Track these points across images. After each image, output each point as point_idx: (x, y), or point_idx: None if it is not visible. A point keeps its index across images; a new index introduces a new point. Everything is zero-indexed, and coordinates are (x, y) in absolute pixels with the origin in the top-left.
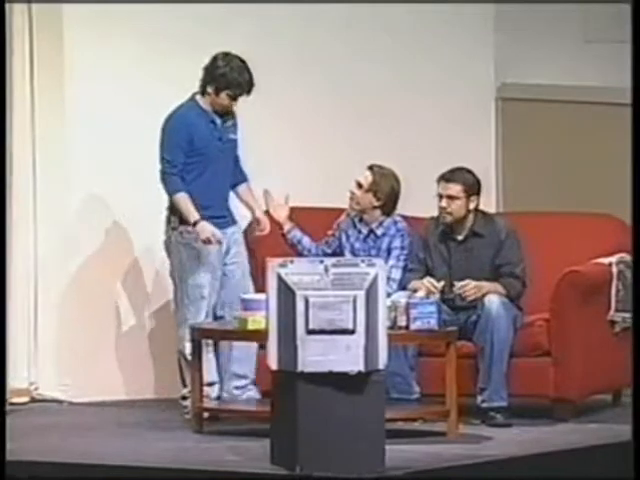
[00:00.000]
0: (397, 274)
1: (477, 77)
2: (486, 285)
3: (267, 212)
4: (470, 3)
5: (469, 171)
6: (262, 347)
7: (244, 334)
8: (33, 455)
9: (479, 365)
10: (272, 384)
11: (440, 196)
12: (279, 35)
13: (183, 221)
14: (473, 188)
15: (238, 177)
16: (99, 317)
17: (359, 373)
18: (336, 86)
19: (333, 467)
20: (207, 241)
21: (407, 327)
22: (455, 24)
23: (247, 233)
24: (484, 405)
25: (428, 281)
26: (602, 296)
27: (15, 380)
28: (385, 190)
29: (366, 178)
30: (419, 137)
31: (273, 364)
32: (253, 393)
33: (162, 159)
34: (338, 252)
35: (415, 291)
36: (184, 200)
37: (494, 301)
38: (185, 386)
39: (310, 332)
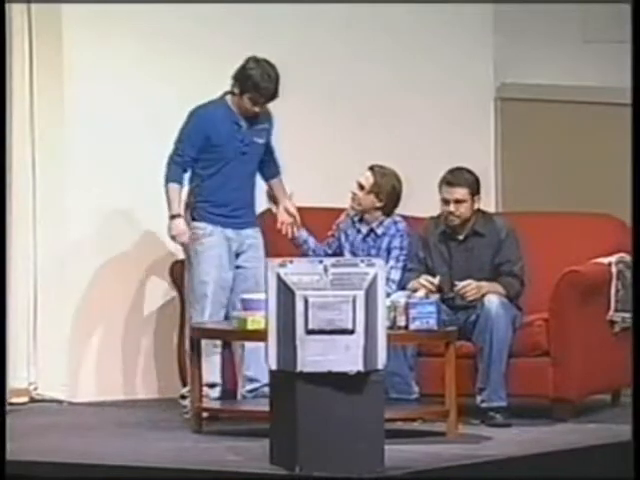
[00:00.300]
0: (396, 275)
1: (476, 77)
2: (486, 285)
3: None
4: (469, 3)
5: (469, 171)
6: None
7: (243, 334)
8: (33, 455)
9: (478, 365)
10: (271, 384)
11: (446, 201)
12: (279, 35)
13: (194, 218)
14: (476, 188)
15: (271, 170)
16: (99, 317)
17: (358, 373)
18: (336, 86)
19: (332, 467)
20: (173, 238)
21: (406, 327)
22: (455, 24)
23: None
24: (483, 405)
25: (425, 279)
26: (601, 296)
27: (15, 380)
28: (386, 190)
29: (367, 179)
30: (419, 137)
31: (272, 364)
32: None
33: (174, 145)
34: (338, 252)
35: (415, 291)
36: (173, 191)
37: (493, 301)
38: (185, 385)
39: (309, 332)
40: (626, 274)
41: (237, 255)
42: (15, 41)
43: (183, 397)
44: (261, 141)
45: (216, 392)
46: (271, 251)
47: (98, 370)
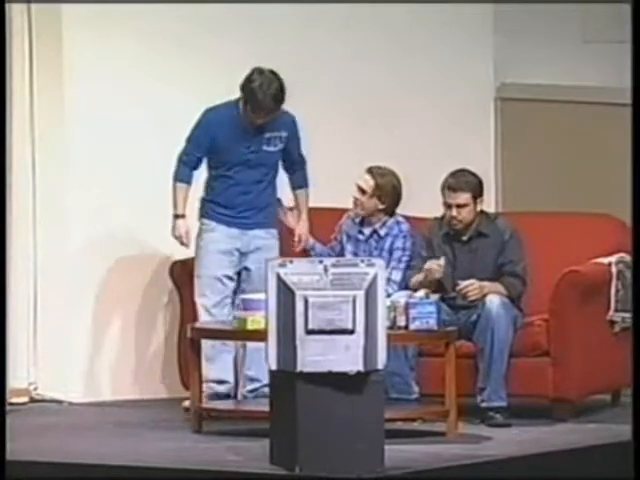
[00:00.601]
0: (398, 276)
1: (476, 77)
2: (487, 285)
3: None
4: (469, 3)
5: (471, 173)
6: None
7: (243, 334)
8: (33, 455)
9: (479, 365)
10: (271, 384)
11: (449, 205)
12: (278, 35)
13: (202, 213)
14: (479, 191)
15: (294, 181)
16: (99, 317)
17: (358, 373)
18: (336, 86)
19: (332, 467)
20: (175, 237)
21: (406, 327)
22: (454, 24)
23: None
24: (483, 405)
25: (431, 263)
26: (601, 296)
27: (14, 380)
28: (388, 191)
29: (367, 183)
30: (419, 137)
31: (272, 364)
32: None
33: (184, 144)
34: (341, 255)
35: (415, 290)
36: (179, 190)
37: (494, 301)
38: (186, 386)
39: (309, 332)
40: (626, 274)
41: (245, 255)
42: (15, 41)
43: (187, 410)
44: (273, 149)
45: (223, 388)
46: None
47: (97, 370)
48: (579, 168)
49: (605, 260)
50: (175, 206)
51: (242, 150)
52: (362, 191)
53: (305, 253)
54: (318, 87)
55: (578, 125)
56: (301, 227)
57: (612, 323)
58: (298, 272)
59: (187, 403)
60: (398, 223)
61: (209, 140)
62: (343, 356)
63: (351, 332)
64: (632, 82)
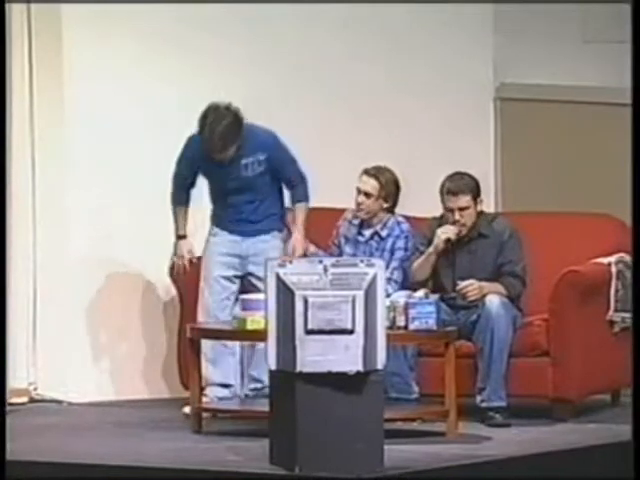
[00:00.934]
0: (399, 276)
1: (476, 77)
2: (487, 285)
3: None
4: (469, 3)
5: (468, 175)
6: None
7: (243, 334)
8: (32, 455)
9: (478, 365)
10: (271, 384)
11: (450, 210)
12: (278, 36)
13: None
14: (478, 192)
15: (293, 197)
16: (99, 317)
17: (358, 373)
18: (334, 86)
19: (332, 467)
20: (177, 258)
21: (406, 327)
22: (454, 24)
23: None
24: (483, 405)
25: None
26: (601, 296)
27: (14, 380)
28: (392, 189)
29: (372, 185)
30: (418, 137)
31: (272, 364)
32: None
33: (175, 167)
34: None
35: (415, 290)
36: (178, 213)
37: (494, 301)
38: (186, 387)
39: (309, 332)
40: (626, 274)
41: (246, 259)
42: (15, 41)
43: (187, 416)
44: (252, 174)
45: (227, 392)
46: None
47: (97, 370)
48: (579, 168)
49: (605, 260)
50: (176, 228)
51: (223, 178)
52: (367, 195)
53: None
54: (317, 87)
55: (578, 125)
56: (294, 240)
57: (612, 323)
58: (298, 272)
59: (187, 409)
60: (399, 223)
61: (191, 168)
62: (343, 356)
63: (351, 332)
64: (632, 82)
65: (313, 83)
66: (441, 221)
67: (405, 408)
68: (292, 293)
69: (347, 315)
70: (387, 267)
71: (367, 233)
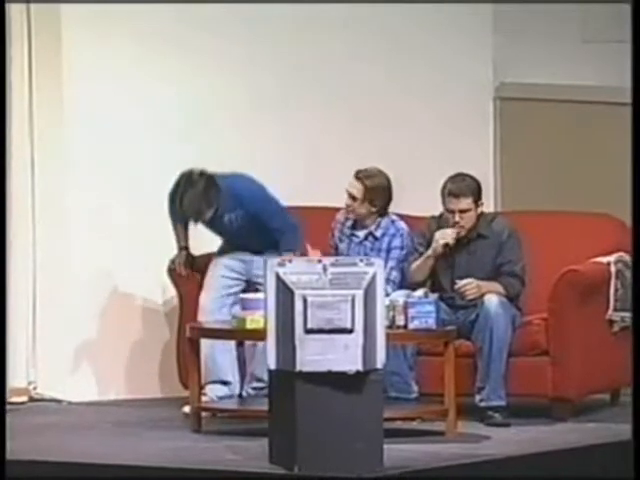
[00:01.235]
0: (397, 276)
1: (476, 77)
2: (486, 284)
3: None
4: (468, 3)
5: (470, 176)
6: None
7: (242, 333)
8: (32, 455)
9: (477, 364)
10: (270, 383)
11: (451, 211)
12: (277, 36)
13: None
14: (479, 195)
15: (282, 246)
16: (98, 316)
17: (357, 372)
18: (333, 87)
19: (331, 466)
20: (173, 266)
21: (405, 326)
22: (453, 24)
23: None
24: (482, 404)
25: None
26: (600, 295)
27: (14, 379)
28: (379, 194)
29: (357, 188)
30: (418, 137)
31: (271, 363)
32: None
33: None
34: None
35: (414, 289)
36: (177, 228)
37: (493, 300)
38: (185, 386)
39: (308, 331)
40: (625, 273)
41: (252, 264)
42: (14, 41)
43: (187, 415)
44: (237, 225)
45: (226, 389)
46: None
47: (97, 369)
48: (578, 167)
49: (604, 259)
50: (177, 241)
51: (210, 228)
52: (353, 198)
53: None
54: (317, 87)
55: (577, 124)
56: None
57: (611, 322)
58: (297, 271)
59: (187, 409)
60: (393, 222)
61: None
62: (342, 355)
63: (350, 331)
64: (632, 82)
65: (313, 83)
66: (440, 221)
67: (404, 407)
68: (291, 292)
69: (346, 314)
70: (384, 267)
71: (361, 234)
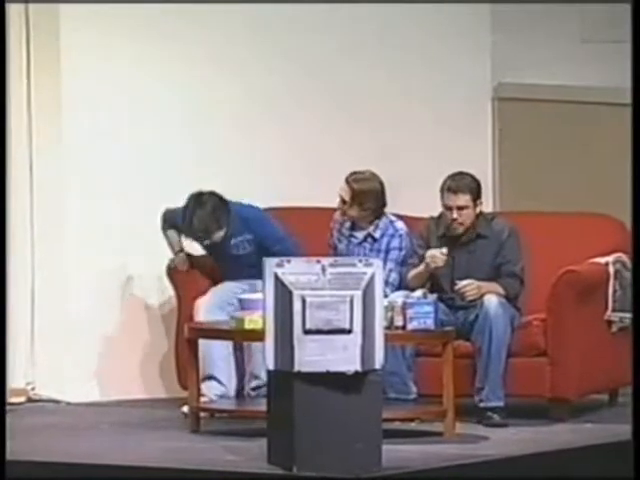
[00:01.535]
0: (395, 278)
1: (474, 76)
2: (485, 285)
3: None
4: (466, 3)
5: (470, 175)
6: None
7: (241, 334)
8: (30, 455)
9: (476, 365)
10: (269, 384)
11: (449, 208)
12: (277, 36)
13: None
14: (478, 193)
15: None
16: (97, 316)
17: (356, 373)
18: (332, 87)
19: (330, 467)
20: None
21: (404, 327)
22: (452, 24)
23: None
24: (481, 405)
25: (434, 251)
26: (599, 296)
27: (12, 380)
28: (368, 197)
29: (345, 192)
30: (416, 136)
31: (270, 364)
32: None
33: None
34: None
35: (413, 289)
36: (169, 236)
37: (492, 301)
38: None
39: (307, 332)
40: (623, 274)
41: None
42: (13, 42)
43: (185, 415)
44: (244, 252)
45: (222, 389)
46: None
47: (95, 370)
48: (577, 167)
49: (602, 260)
50: (172, 248)
51: (215, 255)
52: (342, 201)
53: None
54: (316, 87)
55: (576, 124)
56: None
57: (609, 323)
58: (296, 272)
59: (186, 408)
60: (392, 223)
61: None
62: (341, 356)
63: (349, 332)
64: (632, 82)
65: (312, 83)
66: (439, 221)
67: (403, 408)
68: (290, 293)
69: (345, 315)
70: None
71: (360, 235)
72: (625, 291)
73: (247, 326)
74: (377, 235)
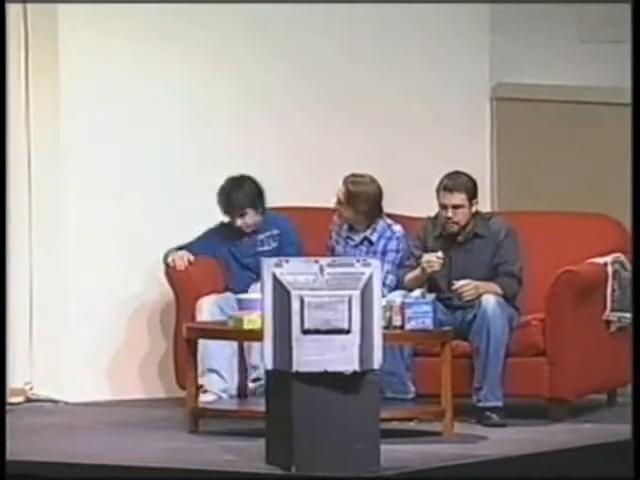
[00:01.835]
0: (392, 280)
1: (472, 76)
2: (483, 285)
3: None
4: (465, 3)
5: (466, 174)
6: None
7: (240, 334)
8: (29, 455)
9: (475, 365)
10: (267, 384)
11: (444, 206)
12: (277, 36)
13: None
14: (474, 192)
15: None
16: (95, 316)
17: (354, 373)
18: (331, 87)
19: (328, 467)
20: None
21: (402, 327)
22: (450, 24)
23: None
24: (480, 405)
25: (430, 255)
26: (597, 296)
27: (10, 379)
28: (362, 200)
29: (341, 192)
30: (414, 137)
31: (268, 364)
32: None
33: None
34: None
35: (411, 290)
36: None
37: (490, 300)
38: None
39: (305, 332)
40: (622, 274)
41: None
42: (11, 42)
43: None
44: (268, 248)
45: (222, 383)
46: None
47: (94, 370)
48: (575, 167)
49: (601, 260)
50: (167, 254)
51: (237, 258)
52: (338, 201)
53: None
54: (314, 87)
55: (574, 124)
56: None
57: (608, 323)
58: (294, 272)
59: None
60: (389, 225)
61: (204, 246)
62: (339, 356)
63: (347, 332)
64: (632, 82)
65: (311, 83)
66: (435, 221)
67: (401, 408)
68: (288, 293)
69: (343, 315)
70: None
71: (357, 238)
72: (624, 291)
73: (246, 326)
74: (374, 238)
